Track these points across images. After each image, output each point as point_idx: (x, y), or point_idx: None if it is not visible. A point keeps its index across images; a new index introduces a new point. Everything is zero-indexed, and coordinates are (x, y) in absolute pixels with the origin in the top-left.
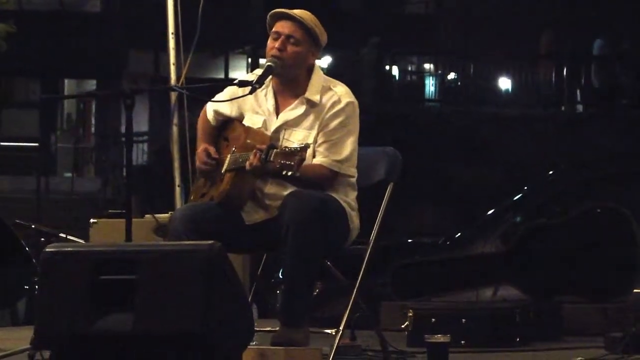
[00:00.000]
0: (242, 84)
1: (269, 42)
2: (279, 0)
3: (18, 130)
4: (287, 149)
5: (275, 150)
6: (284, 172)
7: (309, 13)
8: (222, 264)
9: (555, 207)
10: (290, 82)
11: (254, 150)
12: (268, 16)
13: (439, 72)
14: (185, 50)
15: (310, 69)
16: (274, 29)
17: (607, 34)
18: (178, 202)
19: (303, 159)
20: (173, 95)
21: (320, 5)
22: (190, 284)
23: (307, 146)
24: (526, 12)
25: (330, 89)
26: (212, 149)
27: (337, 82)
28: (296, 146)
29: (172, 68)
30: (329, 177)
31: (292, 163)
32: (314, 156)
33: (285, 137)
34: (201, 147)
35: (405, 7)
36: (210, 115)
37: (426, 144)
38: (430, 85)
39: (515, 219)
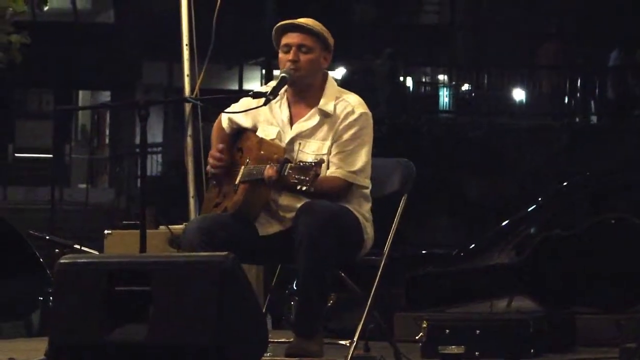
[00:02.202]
0: (257, 95)
1: (281, 56)
2: (293, 12)
3: (32, 141)
4: (302, 164)
5: (290, 164)
6: (298, 187)
7: (312, 19)
8: (237, 275)
9: (569, 218)
10: (304, 92)
11: (271, 164)
12: (273, 31)
13: (453, 83)
14: (199, 62)
15: (324, 79)
16: (282, 42)
17: (621, 45)
18: (192, 213)
19: (318, 174)
20: (187, 107)
21: (334, 16)
22: (205, 295)
23: (322, 161)
24: (540, 23)
25: (343, 99)
26: (222, 147)
27: (350, 92)
28: (311, 161)
29: (186, 79)
30: (344, 188)
31: (307, 178)
32: (327, 167)
33: (299, 148)
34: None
35: (419, 18)
36: (225, 123)
37: (440, 155)
38: (444, 96)
39: (529, 230)
